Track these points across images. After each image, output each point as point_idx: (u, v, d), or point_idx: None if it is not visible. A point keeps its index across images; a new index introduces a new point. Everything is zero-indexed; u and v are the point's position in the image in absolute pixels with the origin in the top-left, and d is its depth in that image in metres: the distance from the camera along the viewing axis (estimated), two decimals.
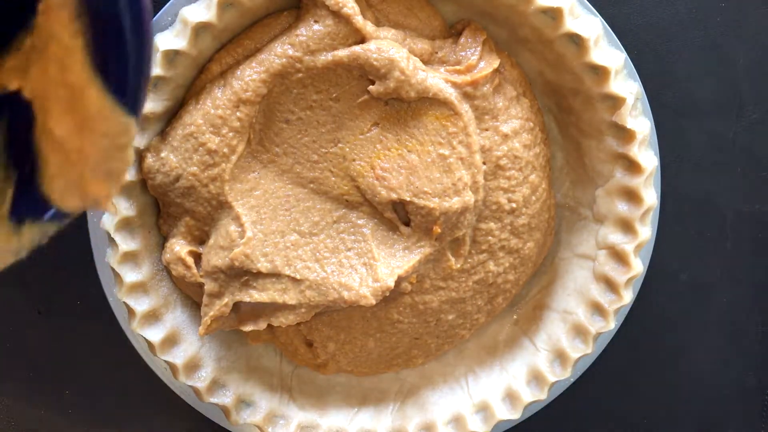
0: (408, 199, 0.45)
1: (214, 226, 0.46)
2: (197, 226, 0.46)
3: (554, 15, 0.43)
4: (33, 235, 0.25)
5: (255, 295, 0.45)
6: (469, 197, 0.45)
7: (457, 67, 0.45)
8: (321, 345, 0.49)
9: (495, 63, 0.45)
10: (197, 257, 0.46)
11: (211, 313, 0.45)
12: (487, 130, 0.46)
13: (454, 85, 0.45)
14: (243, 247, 0.44)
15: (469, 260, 0.48)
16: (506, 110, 0.46)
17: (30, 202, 0.24)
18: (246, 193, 0.45)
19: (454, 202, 0.45)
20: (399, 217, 0.47)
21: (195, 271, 0.46)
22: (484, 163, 0.46)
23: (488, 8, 0.45)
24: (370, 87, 0.44)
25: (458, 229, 0.46)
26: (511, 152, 0.46)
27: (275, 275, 0.45)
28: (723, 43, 0.54)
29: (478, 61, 0.45)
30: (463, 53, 0.46)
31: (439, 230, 0.46)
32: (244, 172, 0.45)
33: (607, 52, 0.45)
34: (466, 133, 0.45)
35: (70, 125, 0.23)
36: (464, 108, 0.45)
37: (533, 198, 0.48)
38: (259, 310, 0.46)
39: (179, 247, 0.46)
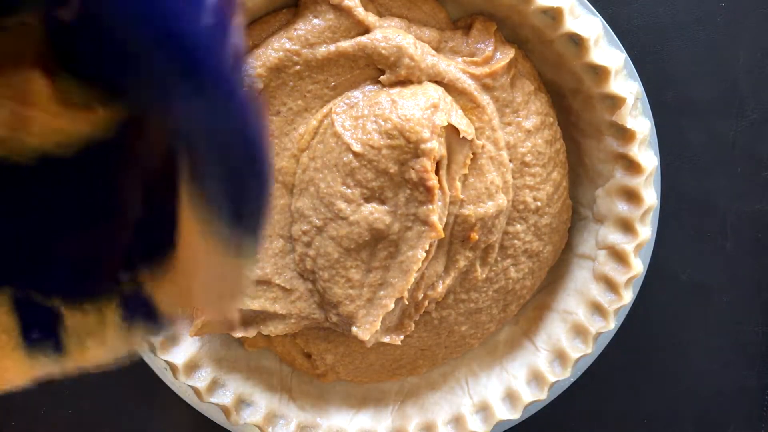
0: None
1: None
2: None
3: (554, 15, 0.43)
4: (138, 338, 0.25)
5: (247, 302, 0.45)
6: (502, 200, 0.44)
7: (474, 59, 0.44)
8: (319, 357, 0.49)
9: (510, 53, 0.45)
10: None
11: (203, 317, 0.45)
12: (509, 125, 0.45)
13: (472, 76, 0.44)
14: None
15: (494, 268, 0.47)
16: (526, 105, 0.46)
17: (139, 306, 0.24)
18: None
19: (489, 207, 0.44)
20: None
21: None
22: (510, 161, 0.45)
23: (488, 8, 0.45)
24: (382, 78, 0.43)
25: (492, 234, 0.45)
26: (535, 148, 0.46)
27: (266, 283, 0.45)
28: (723, 43, 0.54)
29: (493, 52, 0.45)
30: (477, 45, 0.45)
31: (476, 237, 0.44)
32: None
33: (607, 52, 0.45)
34: (492, 128, 0.44)
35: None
36: (485, 100, 0.44)
37: (555, 196, 0.47)
38: (251, 317, 0.46)
39: None
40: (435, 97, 0.42)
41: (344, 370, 0.49)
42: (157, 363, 0.48)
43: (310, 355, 0.49)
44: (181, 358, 0.47)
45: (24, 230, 0.24)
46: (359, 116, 0.43)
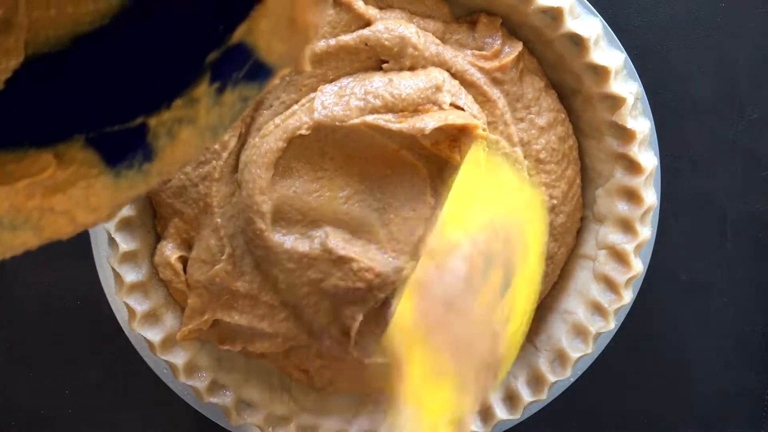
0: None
1: (198, 235, 0.44)
2: (185, 229, 0.45)
3: (554, 15, 0.43)
4: (234, 102, 0.22)
5: (235, 317, 0.44)
6: None
7: (483, 53, 0.44)
8: (316, 373, 0.48)
9: (518, 46, 0.44)
10: (186, 262, 0.46)
11: (191, 326, 0.45)
12: (522, 120, 0.45)
13: (481, 70, 0.43)
14: (223, 263, 0.43)
15: None
16: (537, 101, 0.45)
17: (232, 60, 0.22)
18: (227, 199, 0.43)
19: None
20: None
21: (183, 278, 0.45)
22: (525, 158, 0.45)
23: (488, 7, 0.45)
24: (384, 65, 0.43)
25: None
26: (549, 145, 0.45)
27: (253, 298, 0.44)
28: (723, 43, 0.54)
29: (501, 45, 0.44)
30: (485, 39, 0.44)
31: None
32: (232, 172, 0.44)
33: (607, 52, 0.45)
34: (505, 122, 0.43)
35: None
36: (496, 93, 0.44)
37: (570, 194, 0.47)
38: (238, 331, 0.45)
39: (169, 252, 0.45)
40: (439, 78, 0.41)
41: (344, 384, 0.49)
42: (157, 363, 0.48)
43: (307, 371, 0.48)
44: (181, 358, 0.47)
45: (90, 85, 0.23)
46: (345, 94, 0.41)
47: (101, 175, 0.23)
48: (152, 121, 0.23)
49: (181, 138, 0.23)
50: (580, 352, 0.47)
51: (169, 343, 0.46)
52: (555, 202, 0.46)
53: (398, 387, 0.36)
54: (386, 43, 0.42)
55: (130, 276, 0.45)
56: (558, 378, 0.48)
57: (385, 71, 0.43)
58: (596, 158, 0.47)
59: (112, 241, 0.45)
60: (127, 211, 0.45)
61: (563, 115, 0.47)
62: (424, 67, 0.42)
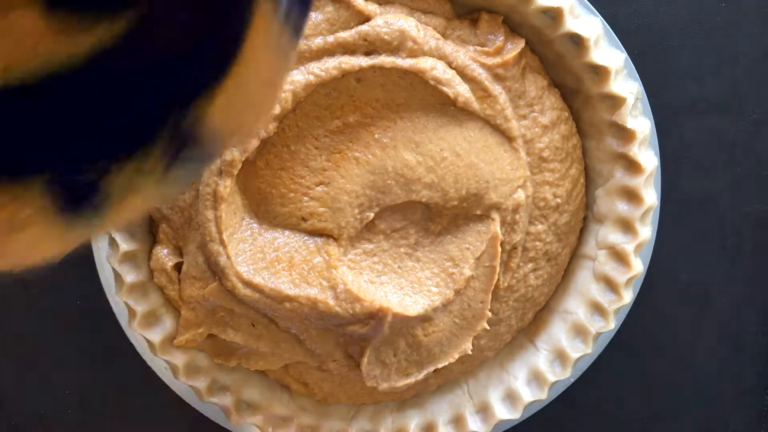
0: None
1: (185, 248, 0.44)
2: (173, 235, 0.45)
3: (554, 15, 0.43)
4: (180, 177, 0.24)
5: (230, 334, 0.44)
6: (519, 194, 0.44)
7: (485, 49, 0.43)
8: (316, 386, 0.48)
9: (521, 43, 0.44)
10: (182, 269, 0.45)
11: (187, 336, 0.45)
12: (524, 118, 0.44)
13: (483, 66, 0.43)
14: (216, 284, 0.43)
15: (515, 275, 0.46)
16: (540, 99, 0.45)
17: (183, 136, 0.23)
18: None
19: (508, 201, 0.43)
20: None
21: (177, 286, 0.45)
22: (527, 155, 0.45)
23: (488, 7, 0.45)
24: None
25: (515, 233, 0.44)
26: (553, 143, 0.45)
27: (250, 318, 0.44)
28: (723, 43, 0.54)
29: (504, 42, 0.44)
30: (487, 36, 0.44)
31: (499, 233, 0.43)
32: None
33: (607, 52, 0.45)
34: (504, 117, 0.43)
35: None
36: (497, 89, 0.43)
37: (574, 193, 0.47)
38: (234, 347, 0.45)
39: (164, 257, 0.45)
40: (439, 69, 0.41)
41: (344, 395, 0.48)
42: (157, 363, 0.48)
43: (307, 384, 0.48)
44: (181, 358, 0.47)
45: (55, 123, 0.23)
46: None
47: (53, 223, 0.24)
48: (105, 179, 0.24)
49: (131, 199, 0.24)
50: (580, 352, 0.47)
51: (168, 343, 0.46)
52: (559, 201, 0.46)
53: None
54: (385, 37, 0.41)
55: (130, 276, 0.45)
56: (558, 378, 0.48)
57: None
58: (596, 158, 0.47)
59: (112, 241, 0.45)
60: None
61: (567, 114, 0.46)
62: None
